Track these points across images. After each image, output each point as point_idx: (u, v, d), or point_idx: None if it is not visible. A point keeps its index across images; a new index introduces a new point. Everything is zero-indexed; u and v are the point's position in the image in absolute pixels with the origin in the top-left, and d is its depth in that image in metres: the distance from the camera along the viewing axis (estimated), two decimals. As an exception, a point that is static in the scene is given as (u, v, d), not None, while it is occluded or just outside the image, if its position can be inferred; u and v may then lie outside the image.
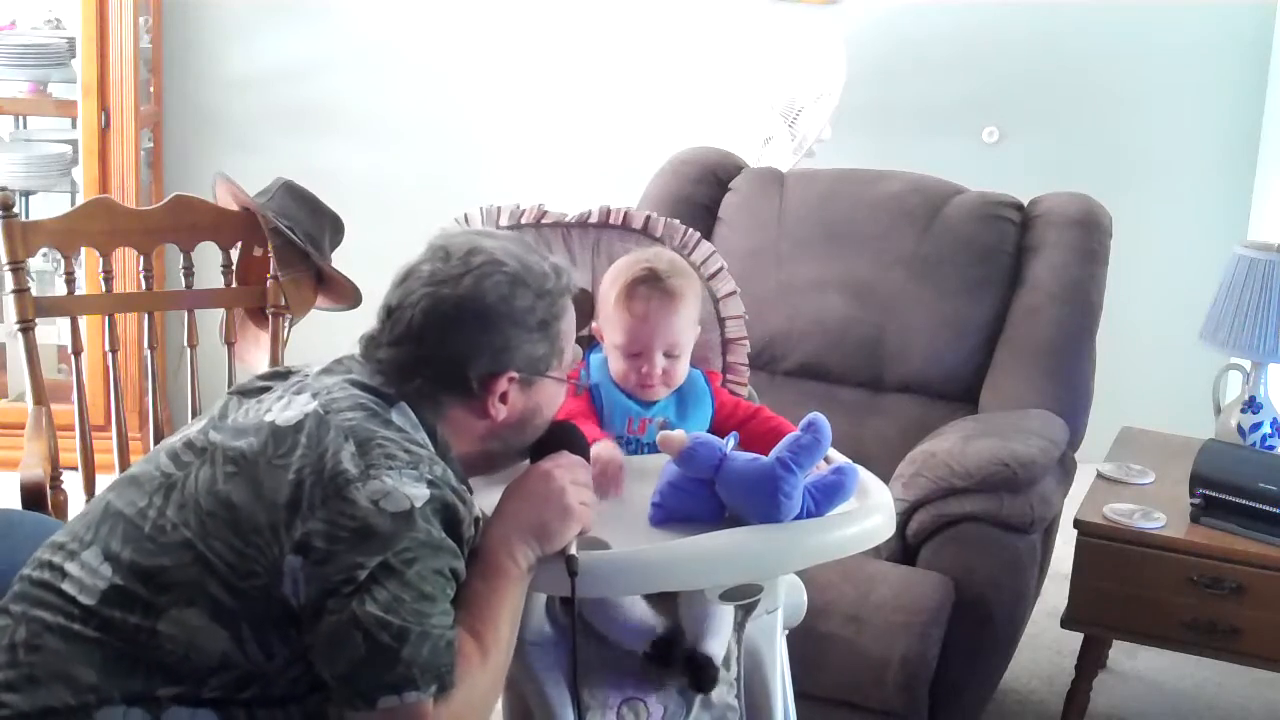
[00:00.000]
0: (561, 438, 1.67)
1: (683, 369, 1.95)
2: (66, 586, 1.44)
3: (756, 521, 1.66)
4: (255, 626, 1.39)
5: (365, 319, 1.65)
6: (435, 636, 1.38)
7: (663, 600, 1.85)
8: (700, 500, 1.68)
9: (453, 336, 1.55)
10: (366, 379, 1.56)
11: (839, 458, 1.81)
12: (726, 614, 1.82)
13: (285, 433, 1.46)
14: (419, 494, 1.41)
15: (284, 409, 1.50)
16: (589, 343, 2.05)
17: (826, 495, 1.67)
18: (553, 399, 1.66)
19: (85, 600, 1.42)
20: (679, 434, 1.70)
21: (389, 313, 1.60)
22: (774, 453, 1.65)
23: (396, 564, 1.37)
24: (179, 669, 1.39)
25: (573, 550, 1.54)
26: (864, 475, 1.80)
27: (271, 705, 1.42)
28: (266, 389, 1.59)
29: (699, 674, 1.78)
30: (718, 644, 1.81)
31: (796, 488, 1.63)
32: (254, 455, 1.45)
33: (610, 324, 1.93)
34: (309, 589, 1.38)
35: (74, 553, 1.47)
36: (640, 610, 1.78)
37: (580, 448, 1.67)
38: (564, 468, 1.58)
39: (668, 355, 1.91)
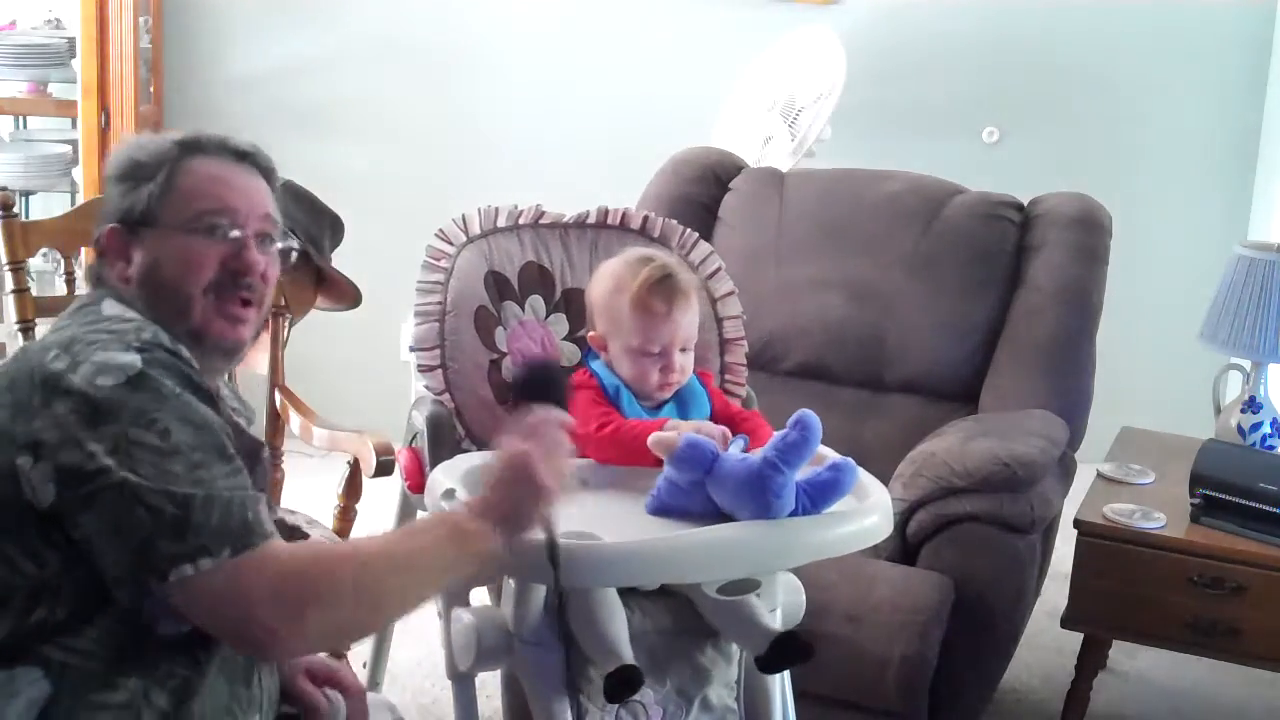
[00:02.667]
0: (541, 379, 1.62)
1: (692, 362, 1.98)
2: None
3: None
4: (15, 540, 1.35)
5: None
6: (224, 499, 1.32)
7: (664, 602, 1.86)
8: (698, 500, 1.68)
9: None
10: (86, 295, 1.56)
11: (833, 455, 1.81)
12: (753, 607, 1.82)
13: None
14: (130, 360, 1.36)
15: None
16: (585, 346, 2.05)
17: (822, 492, 1.66)
18: (172, 251, 1.51)
19: None
20: (671, 436, 1.71)
21: None
22: (762, 452, 1.65)
23: (146, 436, 1.32)
24: None
25: (557, 537, 1.51)
26: (862, 474, 1.80)
27: (72, 629, 1.36)
28: None
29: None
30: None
31: (786, 486, 1.62)
32: None
33: (623, 327, 1.94)
34: (54, 484, 1.32)
35: None
36: (614, 634, 1.77)
37: (558, 388, 1.61)
38: (534, 441, 1.52)
39: (682, 350, 1.95)
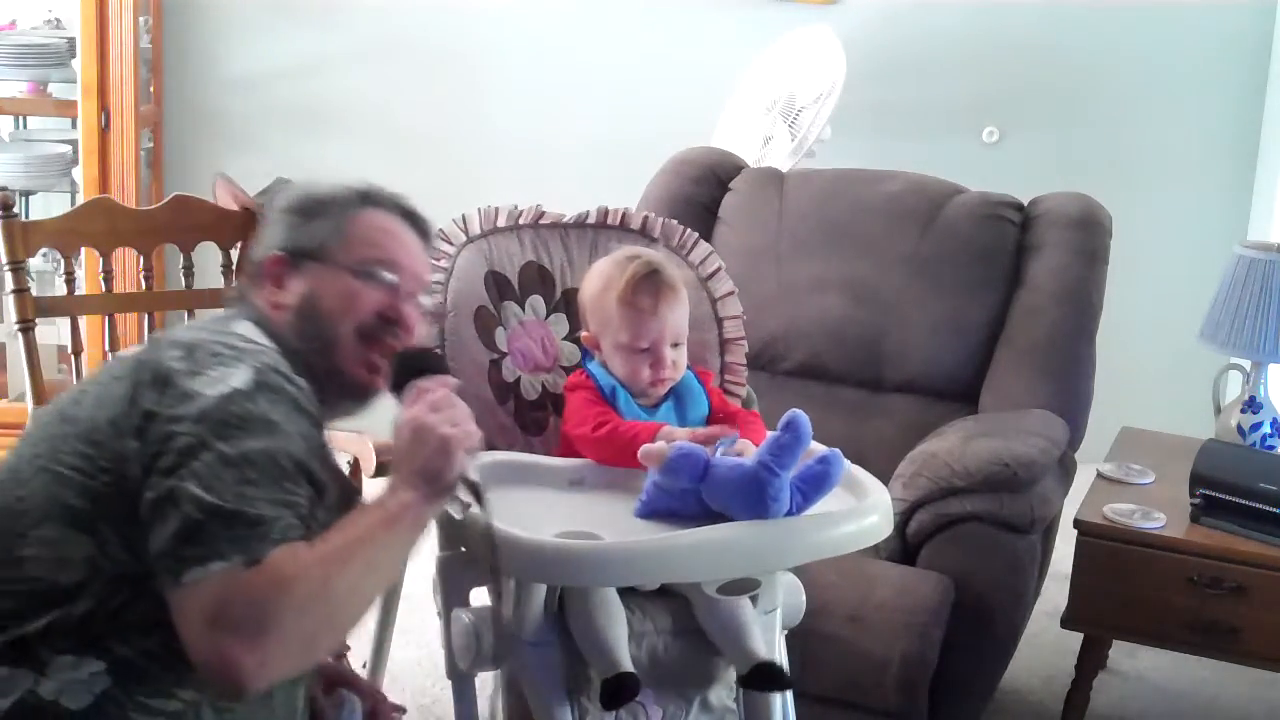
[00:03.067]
0: (415, 363, 1.62)
1: (685, 356, 1.97)
2: None
3: (745, 526, 1.65)
4: (114, 523, 1.38)
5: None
6: (251, 516, 1.33)
7: (663, 603, 1.86)
8: (688, 504, 1.68)
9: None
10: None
11: (821, 448, 1.81)
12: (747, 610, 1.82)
13: (126, 358, 1.50)
14: (242, 377, 1.42)
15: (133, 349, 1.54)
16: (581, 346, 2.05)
17: (813, 486, 1.66)
18: (334, 289, 1.60)
19: None
20: (659, 446, 1.70)
21: None
22: (755, 456, 1.64)
23: (220, 444, 1.35)
24: (50, 594, 1.37)
25: (474, 477, 1.50)
26: (861, 474, 1.80)
27: (143, 629, 1.38)
28: None
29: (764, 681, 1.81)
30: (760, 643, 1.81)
31: (782, 489, 1.63)
32: (96, 377, 1.50)
33: (611, 325, 1.94)
34: (140, 470, 1.37)
35: None
36: (613, 640, 1.77)
37: (433, 366, 1.62)
38: (420, 404, 1.53)
39: (673, 345, 1.95)
